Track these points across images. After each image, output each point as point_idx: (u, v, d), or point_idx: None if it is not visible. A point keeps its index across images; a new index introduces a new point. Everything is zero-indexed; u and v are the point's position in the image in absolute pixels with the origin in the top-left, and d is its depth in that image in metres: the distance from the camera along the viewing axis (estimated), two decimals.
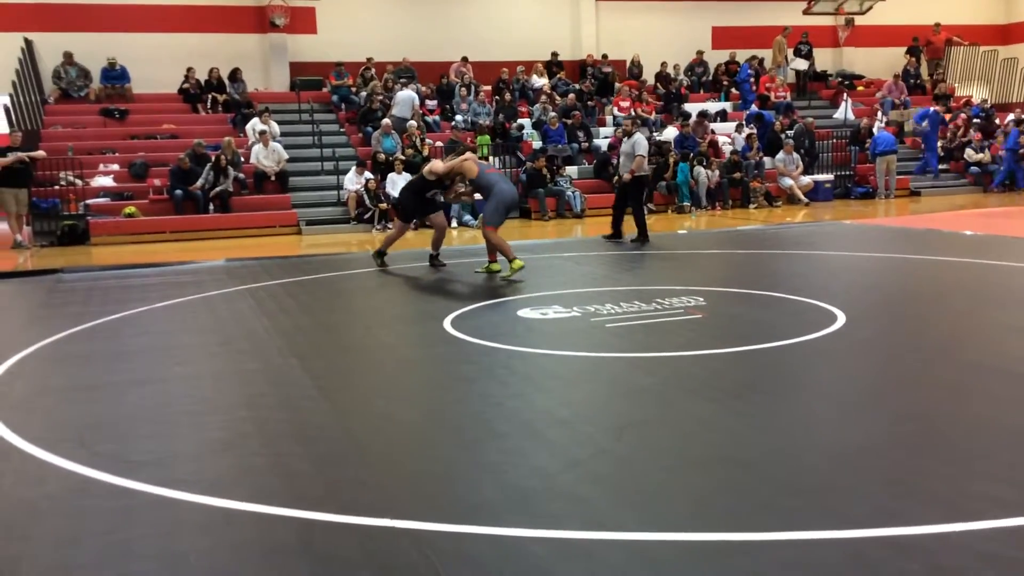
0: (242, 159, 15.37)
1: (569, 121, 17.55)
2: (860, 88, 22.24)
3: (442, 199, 9.70)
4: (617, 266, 9.58)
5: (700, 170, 16.47)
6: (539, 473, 3.57)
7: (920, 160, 19.01)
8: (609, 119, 18.82)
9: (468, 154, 9.39)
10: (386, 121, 16.08)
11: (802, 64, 21.58)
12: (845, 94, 21.05)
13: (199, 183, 14.37)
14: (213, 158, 14.62)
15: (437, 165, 9.27)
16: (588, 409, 4.48)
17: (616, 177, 11.94)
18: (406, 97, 17.09)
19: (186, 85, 17.76)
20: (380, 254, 9.96)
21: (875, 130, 18.46)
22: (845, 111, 20.45)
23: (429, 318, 6.89)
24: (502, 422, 4.23)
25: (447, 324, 6.51)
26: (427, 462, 3.78)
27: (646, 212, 15.78)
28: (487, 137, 16.86)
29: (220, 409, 4.64)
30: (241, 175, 15.01)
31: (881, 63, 23.27)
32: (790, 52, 21.69)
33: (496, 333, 6.23)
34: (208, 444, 4.10)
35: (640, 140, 11.41)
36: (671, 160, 16.38)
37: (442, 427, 4.25)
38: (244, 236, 13.99)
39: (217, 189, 14.39)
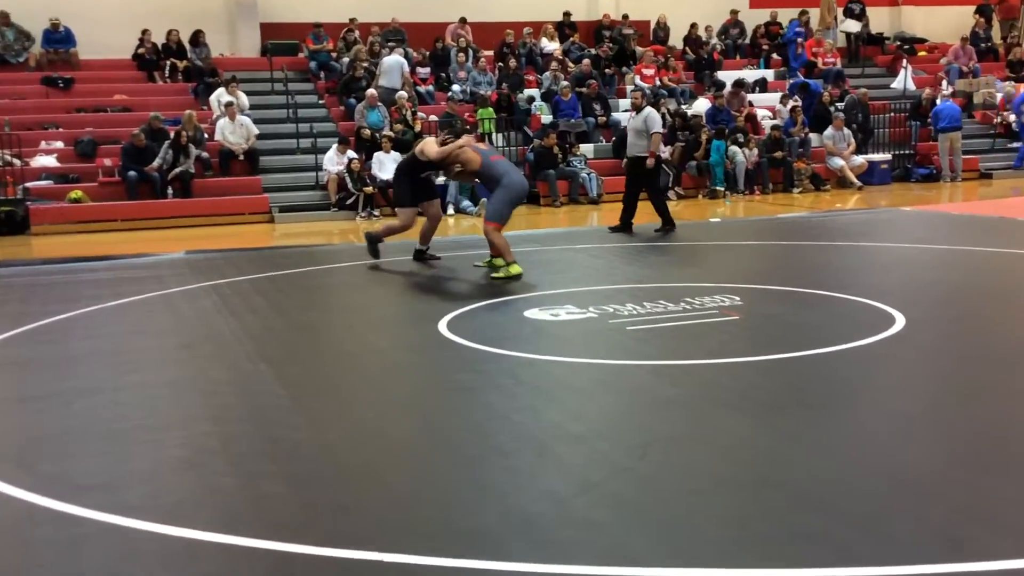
0: (205, 135, 15.41)
1: (584, 91, 17.55)
2: (922, 53, 22.20)
3: (441, 179, 9.67)
4: (639, 260, 9.59)
5: (736, 149, 16.46)
6: (549, 497, 3.58)
7: (1013, 144, 18.86)
8: (630, 89, 18.77)
9: (465, 139, 9.11)
10: (371, 92, 16.11)
11: (854, 26, 21.53)
12: (904, 60, 21.01)
13: (156, 163, 14.41)
14: (172, 134, 14.66)
15: (430, 147, 9.12)
16: (606, 424, 4.49)
17: (624, 160, 11.87)
18: (394, 63, 17.09)
19: (141, 50, 17.80)
20: (374, 240, 9.73)
21: (938, 102, 18.41)
22: (904, 80, 20.40)
23: (422, 319, 6.90)
24: (507, 438, 4.24)
25: (443, 326, 6.53)
26: (419, 484, 3.80)
27: (671, 198, 15.91)
28: (490, 110, 16.87)
29: (180, 423, 4.66)
30: (204, 154, 15.04)
31: (946, 24, 23.22)
32: (840, 11, 21.65)
33: (499, 337, 6.24)
34: (167, 464, 4.11)
35: (654, 116, 11.36)
36: (703, 137, 16.37)
37: (437, 444, 4.27)
38: (208, 224, 14.02)
39: (177, 170, 14.43)
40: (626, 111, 17.62)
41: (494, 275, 8.46)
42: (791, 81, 19.45)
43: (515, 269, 8.41)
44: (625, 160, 11.90)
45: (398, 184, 9.66)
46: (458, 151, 8.88)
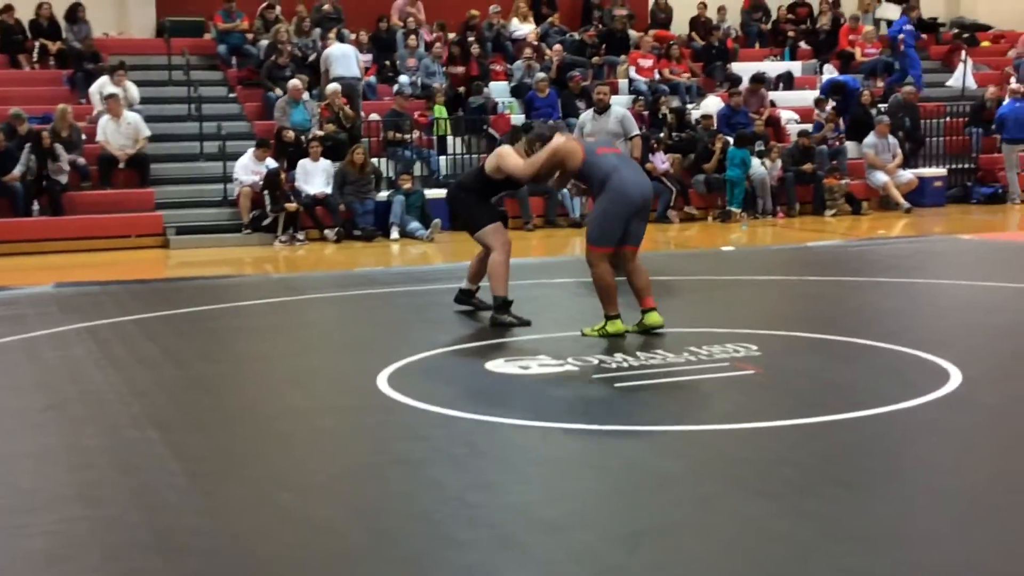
0: (83, 136, 15.34)
1: (568, 84, 17.64)
2: (985, 44, 22.60)
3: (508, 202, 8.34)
4: (632, 298, 9.61)
5: (756, 161, 16.55)
6: None
7: None
8: (624, 84, 18.98)
9: (559, 139, 8.06)
10: (295, 83, 16.13)
11: (893, 11, 21.77)
12: (963, 52, 21.37)
13: (17, 171, 14.32)
14: (36, 135, 14.52)
15: (511, 159, 8.19)
16: (587, 508, 4.49)
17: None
18: (347, 51, 17.09)
19: (4, 23, 17.71)
20: (468, 294, 8.88)
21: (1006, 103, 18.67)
22: (963, 76, 20.74)
23: (356, 372, 6.87)
24: (460, 526, 4.23)
25: (382, 382, 6.51)
26: None
27: (674, 220, 16.04)
28: (442, 108, 16.95)
29: (43, 505, 4.60)
30: (81, 160, 14.97)
31: (1016, 9, 23.64)
32: None
33: (453, 395, 6.23)
34: (25, 557, 4.06)
35: (630, 116, 11.40)
36: (717, 145, 16.50)
37: (372, 534, 4.24)
38: (84, 249, 13.93)
39: (46, 175, 14.32)
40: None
41: (585, 331, 7.73)
42: (825, 80, 19.59)
43: (615, 327, 7.67)
44: None
45: (460, 204, 8.76)
46: (556, 151, 7.83)
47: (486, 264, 8.50)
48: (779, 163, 16.73)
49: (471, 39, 18.86)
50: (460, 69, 17.88)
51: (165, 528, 4.28)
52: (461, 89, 17.64)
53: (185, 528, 4.28)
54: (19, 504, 4.62)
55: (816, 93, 19.18)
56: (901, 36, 19.95)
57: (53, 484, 4.89)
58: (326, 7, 19.10)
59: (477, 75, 17.85)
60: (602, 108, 11.23)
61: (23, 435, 5.70)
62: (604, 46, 19.62)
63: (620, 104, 17.87)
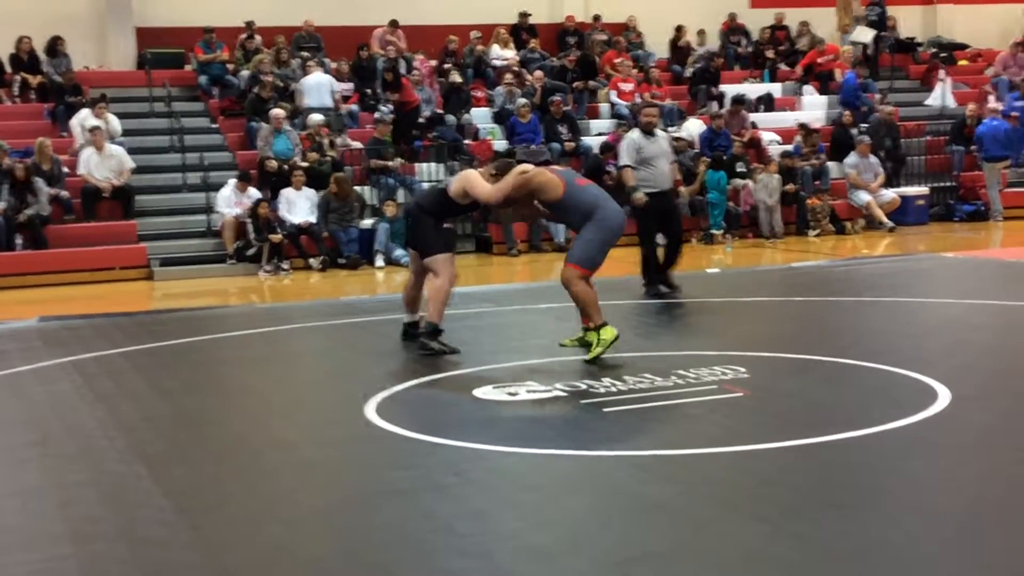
0: (64, 169, 15.31)
1: (549, 109, 17.70)
2: (963, 62, 22.76)
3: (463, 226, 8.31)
4: (619, 322, 9.61)
5: (755, 183, 16.56)
6: None
7: None
8: (605, 108, 19.06)
9: (531, 167, 8.13)
10: (278, 112, 16.15)
11: (866, 35, 21.84)
12: (942, 71, 21.51)
13: (0, 205, 14.28)
14: (13, 169, 14.44)
15: (478, 185, 8.04)
16: (577, 534, 4.48)
17: (634, 193, 11.23)
18: (322, 81, 17.12)
19: None
20: (432, 335, 8.25)
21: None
22: (942, 95, 20.87)
23: (344, 403, 6.85)
24: (451, 555, 4.22)
25: (370, 411, 6.49)
26: None
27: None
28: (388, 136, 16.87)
29: (30, 542, 4.57)
30: (64, 193, 14.94)
31: (992, 27, 23.82)
32: (863, 11, 22.13)
33: (442, 423, 6.22)
34: None
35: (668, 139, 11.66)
36: (700, 168, 16.54)
37: (362, 565, 4.23)
38: (68, 283, 13.89)
39: (27, 212, 14.30)
40: (600, 134, 17.87)
41: (588, 358, 7.69)
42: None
43: (608, 333, 7.71)
44: (646, 195, 10.92)
45: (421, 226, 8.40)
46: (529, 179, 7.86)
47: (419, 291, 8.52)
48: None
49: (447, 65, 18.92)
50: (395, 96, 17.76)
51: (154, 564, 4.26)
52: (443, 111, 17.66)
53: (174, 563, 4.26)
54: (6, 542, 4.59)
55: (797, 115, 19.30)
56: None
57: (40, 521, 4.86)
58: (303, 33, 19.16)
59: (411, 100, 17.71)
60: (651, 131, 11.20)
61: (8, 472, 5.66)
62: (582, 71, 19.69)
63: (601, 129, 18.15)
